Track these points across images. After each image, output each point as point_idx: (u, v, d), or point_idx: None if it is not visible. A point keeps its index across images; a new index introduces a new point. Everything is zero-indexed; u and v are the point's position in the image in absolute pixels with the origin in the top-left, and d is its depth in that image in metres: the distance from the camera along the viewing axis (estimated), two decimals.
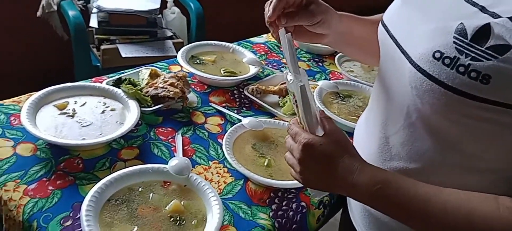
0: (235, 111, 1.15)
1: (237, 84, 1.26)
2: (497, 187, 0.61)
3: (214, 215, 0.79)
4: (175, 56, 1.30)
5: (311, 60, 1.48)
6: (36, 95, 1.01)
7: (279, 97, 1.21)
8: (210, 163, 0.97)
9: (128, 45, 2.01)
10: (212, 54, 1.36)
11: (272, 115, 1.15)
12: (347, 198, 0.89)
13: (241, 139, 1.02)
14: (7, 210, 0.82)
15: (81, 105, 1.04)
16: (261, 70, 1.33)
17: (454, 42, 0.56)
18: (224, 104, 1.17)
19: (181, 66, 1.26)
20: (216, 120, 1.11)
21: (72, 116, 1.00)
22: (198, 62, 1.31)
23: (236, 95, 1.22)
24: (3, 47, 2.25)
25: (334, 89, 1.26)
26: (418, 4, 0.67)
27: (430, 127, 0.64)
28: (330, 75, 1.41)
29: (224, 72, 1.28)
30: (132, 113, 1.02)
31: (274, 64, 1.42)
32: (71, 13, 1.92)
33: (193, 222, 0.79)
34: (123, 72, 1.20)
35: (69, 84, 1.08)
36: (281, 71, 1.36)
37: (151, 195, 0.83)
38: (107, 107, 1.05)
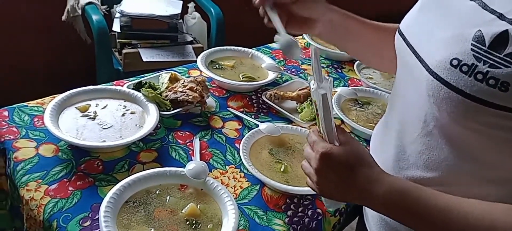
0: (253, 116, 1.15)
1: (255, 89, 1.27)
2: None
3: (229, 220, 0.80)
4: (195, 61, 1.32)
5: (330, 67, 1.48)
6: (59, 97, 1.03)
7: (297, 103, 1.21)
8: (227, 167, 0.98)
9: (149, 50, 2.04)
10: (231, 60, 1.37)
11: (289, 121, 1.16)
12: (363, 206, 0.88)
13: (258, 144, 1.03)
14: (28, 209, 0.84)
15: (102, 108, 1.06)
16: (279, 76, 1.34)
17: (472, 50, 0.56)
18: (242, 110, 1.18)
19: (200, 71, 1.28)
20: (233, 125, 1.12)
21: (93, 118, 1.02)
22: (217, 67, 1.32)
23: (254, 101, 1.23)
24: (29, 50, 2.32)
25: (352, 96, 1.25)
26: (435, 12, 0.67)
27: (447, 136, 0.63)
28: (349, 82, 1.41)
29: (242, 78, 1.28)
30: (151, 117, 1.03)
31: (293, 70, 1.42)
32: (94, 17, 1.96)
33: (208, 226, 0.80)
34: (143, 76, 1.22)
35: (91, 87, 1.10)
36: (300, 77, 1.36)
37: (168, 198, 0.84)
38: (127, 110, 1.07)
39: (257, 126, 1.08)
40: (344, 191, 0.66)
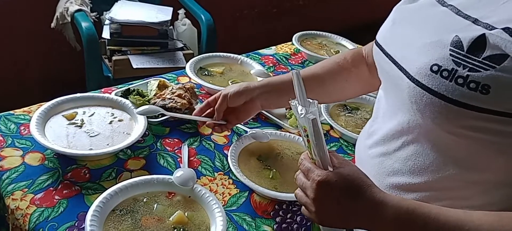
0: (242, 122, 1.15)
1: None
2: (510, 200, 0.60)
3: (217, 227, 0.79)
4: (185, 68, 1.31)
5: None
6: (45, 105, 1.03)
7: (286, 109, 1.21)
8: (216, 174, 0.98)
9: (139, 56, 2.03)
10: (220, 66, 1.37)
11: (278, 127, 1.16)
12: None
13: (246, 150, 1.02)
14: (14, 219, 0.83)
15: (89, 116, 1.05)
16: None
17: (451, 55, 0.57)
18: None
19: (189, 78, 1.28)
20: None
21: (81, 126, 1.01)
22: (206, 73, 1.32)
23: None
24: (18, 57, 2.30)
25: (341, 102, 1.26)
26: (409, 22, 0.68)
27: (432, 141, 0.63)
28: None
29: (231, 84, 1.28)
30: (139, 124, 1.03)
31: None
32: (84, 24, 1.96)
33: None
34: (131, 83, 1.21)
35: (78, 94, 1.09)
36: None
37: (155, 205, 0.83)
38: (115, 117, 1.06)
39: (246, 132, 1.08)
40: (347, 217, 0.63)
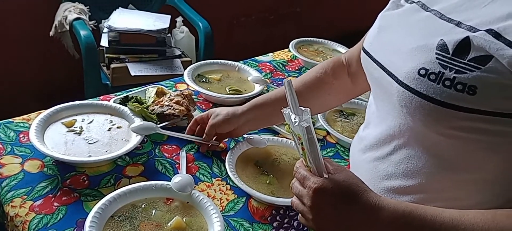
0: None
1: (242, 102, 1.27)
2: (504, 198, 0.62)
3: None
4: (183, 75, 1.33)
5: None
6: (44, 113, 1.04)
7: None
8: (213, 180, 0.99)
9: (137, 64, 2.04)
10: (218, 73, 1.38)
11: (275, 132, 1.17)
12: None
13: (244, 156, 1.03)
14: (13, 226, 0.84)
15: (88, 123, 1.06)
16: (265, 88, 1.35)
17: (437, 58, 0.58)
18: None
19: (187, 85, 1.29)
20: None
21: (79, 133, 1.02)
22: (204, 80, 1.33)
23: None
24: (17, 65, 2.31)
25: (337, 107, 1.27)
26: (395, 28, 0.69)
27: (423, 144, 0.65)
28: None
29: (229, 90, 1.30)
30: None
31: (279, 82, 1.44)
32: (82, 32, 1.97)
33: None
34: (130, 91, 1.22)
35: (77, 102, 1.10)
36: None
37: (153, 211, 0.84)
38: (113, 125, 1.07)
39: (243, 138, 1.08)
40: (344, 223, 0.63)
